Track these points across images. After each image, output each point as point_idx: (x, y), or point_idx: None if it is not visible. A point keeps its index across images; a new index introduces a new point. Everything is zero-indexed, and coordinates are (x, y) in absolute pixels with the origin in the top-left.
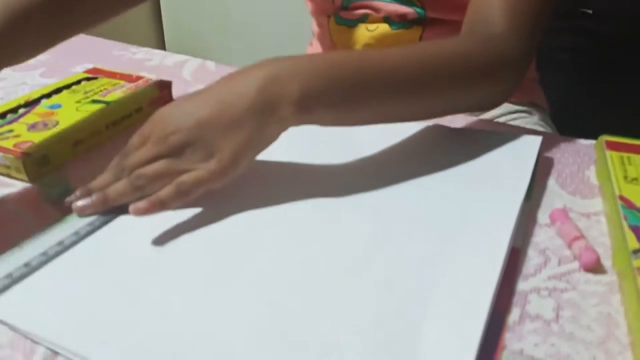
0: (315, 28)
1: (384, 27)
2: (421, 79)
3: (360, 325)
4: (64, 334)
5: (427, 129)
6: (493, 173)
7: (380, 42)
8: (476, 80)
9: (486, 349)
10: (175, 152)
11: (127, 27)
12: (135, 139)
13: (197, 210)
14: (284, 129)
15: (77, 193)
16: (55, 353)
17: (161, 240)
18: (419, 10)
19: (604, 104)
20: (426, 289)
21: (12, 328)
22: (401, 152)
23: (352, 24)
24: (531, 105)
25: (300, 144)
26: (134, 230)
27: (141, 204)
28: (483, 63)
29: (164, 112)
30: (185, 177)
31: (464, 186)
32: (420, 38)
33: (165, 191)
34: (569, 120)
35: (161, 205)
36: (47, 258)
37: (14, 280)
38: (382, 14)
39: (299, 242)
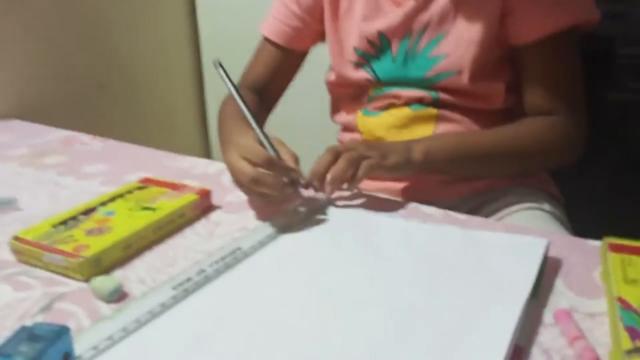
0: (341, 127)
1: (405, 110)
2: (502, 154)
3: None
4: None
5: (440, 230)
6: (499, 273)
7: (402, 122)
8: (545, 155)
9: None
10: (367, 151)
11: (176, 139)
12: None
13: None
14: (415, 165)
15: (308, 180)
16: None
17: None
18: (433, 94)
19: (622, 199)
20: None
21: None
22: (414, 251)
23: (377, 114)
24: (544, 196)
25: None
26: (178, 328)
27: (360, 173)
28: (552, 143)
29: (358, 144)
30: (372, 160)
31: (470, 284)
32: (436, 117)
33: (362, 169)
34: (585, 213)
35: (359, 180)
36: (97, 352)
37: None
38: (403, 100)
39: (314, 330)
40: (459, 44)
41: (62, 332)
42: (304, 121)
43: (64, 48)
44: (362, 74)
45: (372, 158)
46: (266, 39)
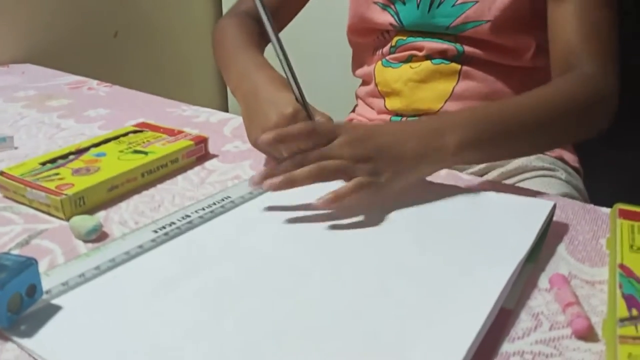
0: (359, 89)
1: (426, 63)
2: (542, 120)
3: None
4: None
5: (438, 187)
6: (496, 233)
7: (422, 76)
8: (581, 115)
9: None
10: (356, 159)
11: (193, 92)
12: (326, 130)
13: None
14: (440, 169)
15: (262, 172)
16: None
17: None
18: (458, 47)
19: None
20: (404, 340)
21: (23, 348)
22: (408, 207)
23: (397, 65)
24: (558, 161)
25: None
26: (152, 271)
27: (330, 196)
28: (585, 100)
29: (359, 127)
30: (362, 179)
31: (464, 243)
32: (459, 73)
33: (345, 188)
34: (601, 177)
35: (340, 199)
36: (67, 288)
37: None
38: (424, 52)
39: (295, 282)
40: None
41: (27, 264)
42: (324, 80)
43: None
44: (387, 17)
45: (359, 176)
46: None
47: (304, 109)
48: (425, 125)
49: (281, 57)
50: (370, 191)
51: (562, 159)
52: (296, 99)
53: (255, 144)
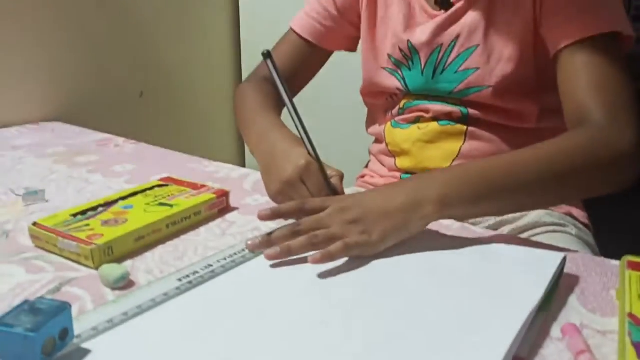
0: (372, 147)
1: (433, 125)
2: (540, 175)
3: None
4: None
5: (451, 239)
6: (508, 283)
7: (429, 137)
8: (588, 171)
9: None
10: (345, 223)
11: (213, 150)
12: (315, 205)
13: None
14: (426, 223)
15: (259, 240)
16: None
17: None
18: (462, 109)
19: None
20: None
21: None
22: (419, 257)
23: (406, 126)
24: (567, 217)
25: None
26: (177, 317)
27: (317, 256)
28: (592, 156)
29: (346, 197)
30: (349, 240)
31: (476, 292)
32: (465, 134)
33: (334, 247)
34: (613, 233)
35: (330, 257)
36: (96, 333)
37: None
38: (431, 114)
39: (311, 331)
40: (490, 58)
41: (62, 308)
42: (339, 136)
43: (108, 56)
44: (394, 82)
45: (349, 236)
46: (295, 33)
47: (317, 162)
48: (410, 184)
49: (295, 117)
50: (361, 250)
51: (571, 215)
52: (309, 153)
53: (272, 197)
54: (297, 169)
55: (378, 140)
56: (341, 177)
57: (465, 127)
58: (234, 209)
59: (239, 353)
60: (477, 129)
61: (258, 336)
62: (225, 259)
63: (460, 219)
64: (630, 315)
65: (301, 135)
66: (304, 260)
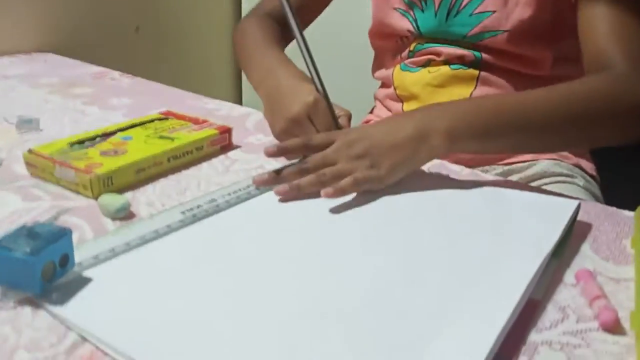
0: (378, 91)
1: (444, 68)
2: (552, 115)
3: (359, 350)
4: (104, 328)
5: (465, 183)
6: (523, 228)
7: (439, 81)
8: (603, 117)
9: None
10: (352, 158)
11: (209, 87)
12: (321, 140)
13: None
14: (434, 155)
15: (266, 176)
16: (84, 339)
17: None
18: (476, 53)
19: None
20: (432, 326)
21: (55, 316)
22: (431, 202)
23: (416, 70)
24: (576, 168)
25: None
26: (181, 249)
27: (329, 190)
28: (610, 101)
29: (352, 130)
30: (358, 174)
31: (491, 236)
32: (477, 78)
33: (344, 182)
34: (619, 188)
35: (342, 192)
36: (98, 261)
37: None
38: (442, 58)
39: (320, 269)
40: (507, 0)
41: (62, 233)
42: (343, 81)
43: None
44: (405, 24)
45: (357, 172)
46: None
47: (325, 100)
48: (418, 115)
49: (304, 51)
50: (370, 184)
51: (579, 167)
52: (317, 90)
53: (277, 135)
54: (305, 106)
55: (385, 84)
56: (349, 116)
57: (477, 72)
58: (236, 146)
59: (243, 286)
60: (490, 74)
61: (263, 271)
62: (229, 194)
63: (468, 153)
64: None
65: (310, 71)
66: (310, 198)
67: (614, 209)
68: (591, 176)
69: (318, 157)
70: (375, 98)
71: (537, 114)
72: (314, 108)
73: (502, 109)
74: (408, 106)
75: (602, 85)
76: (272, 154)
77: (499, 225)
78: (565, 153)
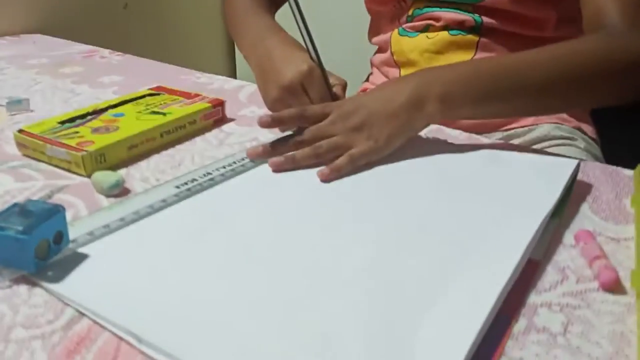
0: (375, 58)
1: (443, 34)
2: (550, 76)
3: (361, 314)
4: (101, 303)
5: (462, 147)
6: (522, 189)
7: (438, 47)
8: (601, 76)
9: (483, 353)
10: (349, 130)
11: (202, 62)
12: (316, 111)
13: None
14: (430, 122)
15: (261, 148)
16: (81, 314)
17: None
18: (476, 18)
19: None
20: (433, 288)
21: (51, 293)
22: (429, 165)
23: (414, 34)
24: (576, 131)
25: None
26: (176, 223)
27: (325, 170)
28: (607, 60)
29: (347, 101)
30: (354, 150)
31: (490, 197)
32: (477, 45)
33: (341, 161)
34: (620, 150)
35: (338, 171)
36: (93, 238)
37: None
38: (441, 23)
39: (318, 237)
40: None
41: (55, 210)
42: (339, 47)
43: None
44: None
45: (356, 146)
46: None
47: (320, 68)
48: (412, 80)
49: (297, 15)
50: (368, 157)
51: (580, 129)
52: (311, 57)
53: (270, 104)
54: (299, 74)
55: (382, 49)
56: (344, 86)
57: (477, 38)
58: (230, 120)
59: (240, 258)
60: (490, 40)
61: (261, 242)
62: (224, 167)
63: (465, 118)
64: None
65: (303, 37)
66: (307, 170)
67: (614, 168)
68: (592, 139)
69: (314, 130)
70: (372, 64)
71: (534, 76)
72: (309, 76)
73: (499, 72)
74: (405, 72)
75: (599, 45)
76: (266, 124)
77: (499, 187)
78: (565, 116)
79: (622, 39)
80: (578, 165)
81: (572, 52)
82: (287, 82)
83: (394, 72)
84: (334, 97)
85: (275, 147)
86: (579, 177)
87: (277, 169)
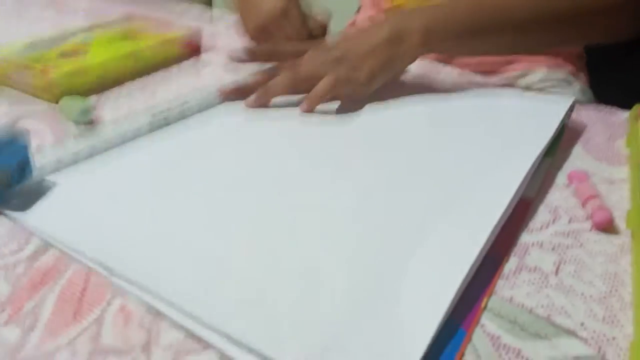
0: None
1: None
2: (535, 11)
3: (349, 257)
4: (69, 233)
5: (455, 84)
6: (515, 126)
7: None
8: (590, 12)
9: (473, 292)
10: (329, 62)
11: None
12: (292, 47)
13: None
14: (413, 58)
15: (232, 86)
16: (48, 245)
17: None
18: None
19: None
20: (423, 228)
21: (15, 222)
22: (425, 104)
23: None
24: (571, 76)
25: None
26: (150, 153)
27: (306, 102)
28: None
29: (325, 40)
30: (339, 74)
31: (483, 135)
32: None
33: (323, 83)
34: (613, 95)
35: (320, 97)
36: (60, 166)
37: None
38: None
39: (301, 174)
40: None
41: (16, 137)
42: None
43: None
44: None
45: (335, 74)
46: None
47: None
48: (393, 17)
49: None
50: (352, 88)
51: (574, 75)
52: None
53: (251, 33)
54: (274, 10)
55: None
56: (328, 19)
57: None
58: (207, 49)
59: (214, 191)
60: None
61: (240, 175)
62: (202, 97)
63: (449, 53)
64: None
65: None
66: (292, 104)
67: (608, 108)
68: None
69: (290, 62)
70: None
71: (518, 12)
72: (283, 14)
73: (482, 5)
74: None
75: None
76: (239, 59)
77: (491, 124)
78: (560, 61)
79: None
80: (573, 104)
81: None
82: (263, 18)
83: (384, 2)
84: (315, 31)
85: (248, 83)
86: (572, 117)
87: (253, 106)
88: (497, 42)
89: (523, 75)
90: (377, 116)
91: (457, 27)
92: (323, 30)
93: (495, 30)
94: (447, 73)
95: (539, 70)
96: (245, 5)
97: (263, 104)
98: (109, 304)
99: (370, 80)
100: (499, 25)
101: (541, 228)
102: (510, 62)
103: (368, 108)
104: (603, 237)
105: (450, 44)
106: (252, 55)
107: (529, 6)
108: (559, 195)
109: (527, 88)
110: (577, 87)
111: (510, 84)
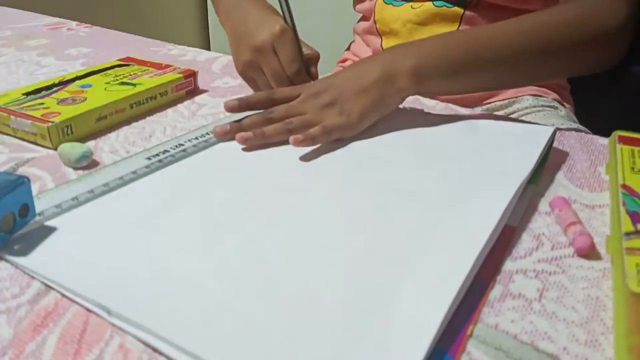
0: (358, 25)
1: (427, 5)
2: (523, 47)
3: (340, 281)
4: (70, 275)
5: (439, 115)
6: (498, 156)
7: (422, 18)
8: (577, 46)
9: (458, 320)
10: (320, 108)
11: (176, 31)
12: (285, 93)
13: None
14: (403, 98)
15: (228, 126)
16: (49, 287)
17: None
18: None
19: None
20: (410, 254)
21: (17, 267)
22: (406, 135)
23: (399, 4)
24: (556, 102)
25: None
26: (148, 195)
27: (299, 137)
28: (583, 30)
29: (317, 82)
30: (328, 122)
31: (467, 164)
32: (461, 18)
33: (314, 130)
34: (598, 122)
35: (312, 140)
36: (61, 211)
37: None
38: None
39: (294, 206)
40: None
41: (19, 182)
42: (322, 15)
43: None
44: None
45: (326, 120)
46: None
47: (293, 32)
48: (382, 57)
49: None
50: (341, 132)
51: (559, 101)
52: (285, 21)
53: (241, 67)
54: (270, 35)
55: (365, 17)
56: (316, 58)
57: (461, 11)
58: (203, 91)
59: (213, 231)
60: (475, 13)
61: (235, 214)
62: (197, 138)
63: (439, 93)
64: (624, 186)
65: (280, 2)
66: (282, 145)
67: (589, 136)
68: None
69: (284, 107)
70: (355, 32)
71: (505, 48)
72: (280, 37)
73: (470, 43)
74: (387, 42)
75: (571, 14)
76: (233, 108)
77: (476, 154)
78: (545, 89)
79: (594, 8)
80: (554, 132)
81: (544, 22)
82: (259, 43)
83: (375, 40)
84: (305, 60)
85: (243, 125)
86: (555, 145)
87: (246, 144)
88: (486, 78)
89: (509, 104)
90: (364, 146)
91: (446, 65)
92: (315, 60)
93: (484, 66)
94: (432, 107)
95: (523, 98)
96: (239, 36)
97: (256, 145)
98: (107, 344)
99: (361, 120)
100: (487, 61)
101: (525, 255)
102: (495, 95)
103: (354, 140)
104: (585, 263)
105: (440, 83)
106: (246, 105)
107: (519, 41)
108: (542, 223)
109: (513, 115)
110: (562, 112)
111: (495, 114)
